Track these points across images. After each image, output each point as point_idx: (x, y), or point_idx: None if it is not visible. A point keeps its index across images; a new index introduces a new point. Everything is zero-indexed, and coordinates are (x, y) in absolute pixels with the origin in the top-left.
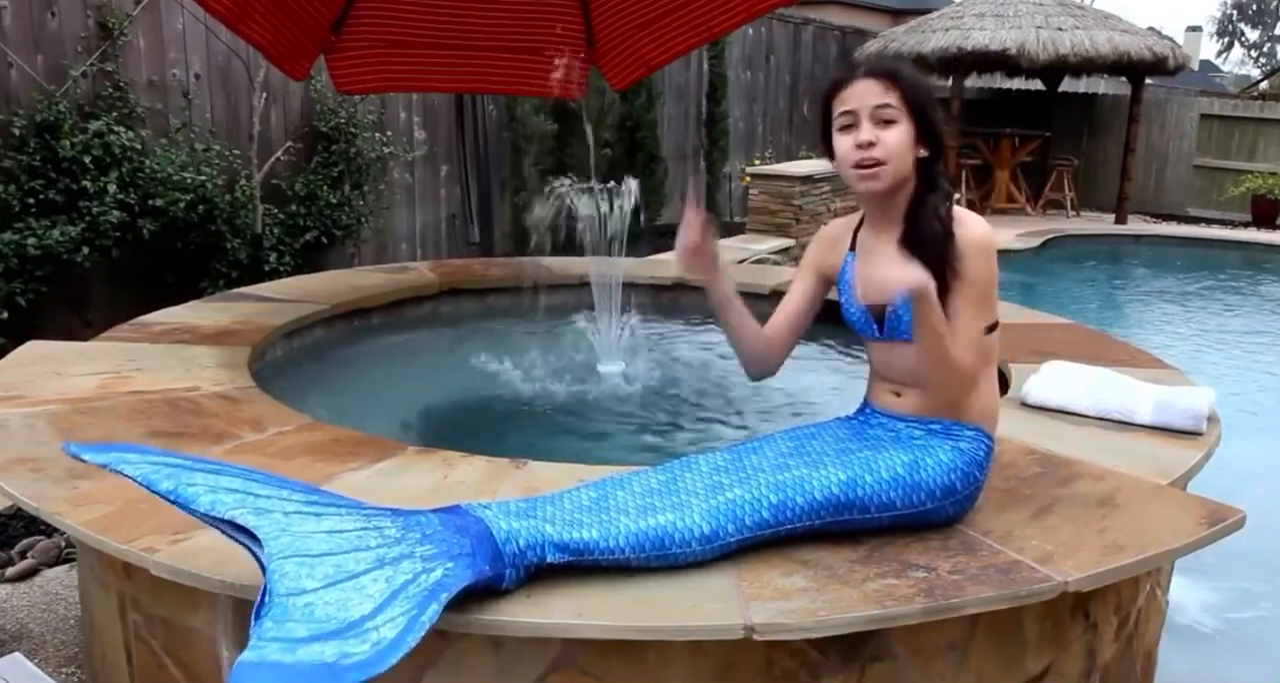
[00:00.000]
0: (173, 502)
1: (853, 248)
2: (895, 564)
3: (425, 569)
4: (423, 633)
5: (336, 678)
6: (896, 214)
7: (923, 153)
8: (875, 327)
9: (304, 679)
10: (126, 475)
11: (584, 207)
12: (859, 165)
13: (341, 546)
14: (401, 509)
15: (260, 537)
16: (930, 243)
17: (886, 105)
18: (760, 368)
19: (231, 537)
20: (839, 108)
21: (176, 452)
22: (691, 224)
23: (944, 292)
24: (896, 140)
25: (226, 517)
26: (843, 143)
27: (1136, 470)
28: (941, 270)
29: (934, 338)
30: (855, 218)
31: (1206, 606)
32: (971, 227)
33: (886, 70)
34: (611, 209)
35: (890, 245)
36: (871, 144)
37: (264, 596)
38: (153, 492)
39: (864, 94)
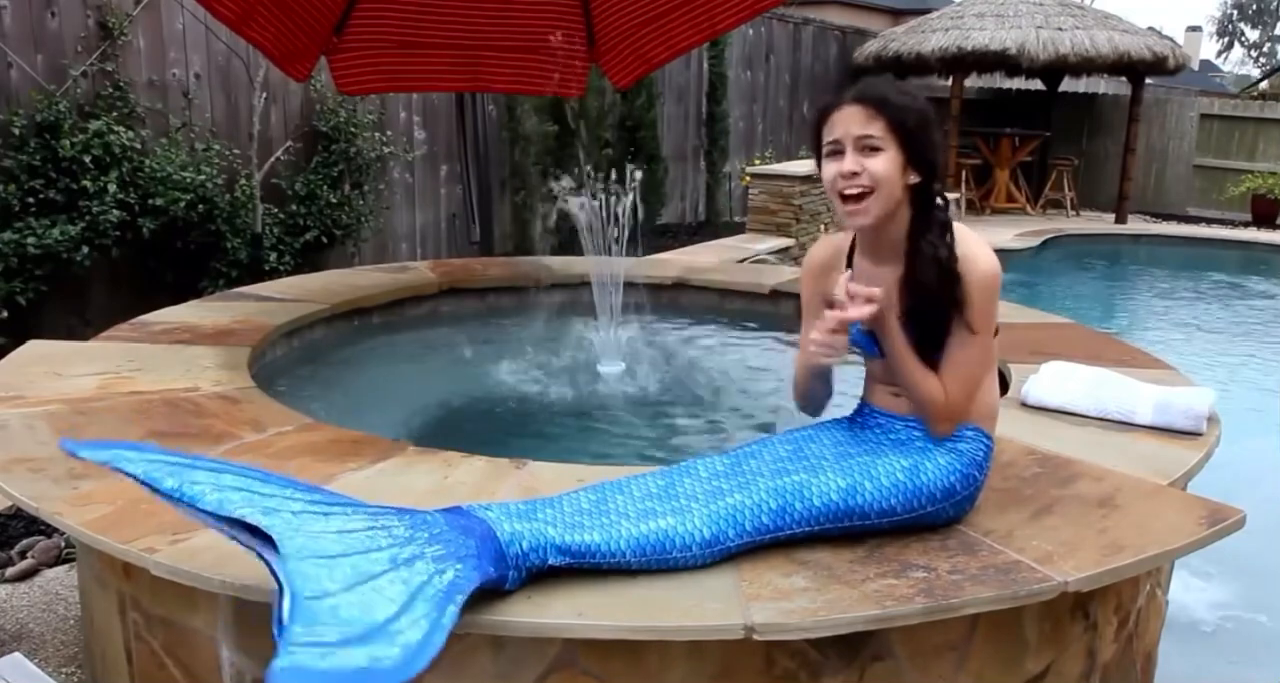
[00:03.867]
0: (176, 500)
1: (849, 268)
2: (895, 564)
3: (438, 570)
4: (445, 635)
5: (375, 681)
6: (891, 245)
7: (914, 179)
8: (876, 347)
9: (341, 681)
10: (127, 473)
11: (583, 207)
12: (844, 197)
13: (354, 546)
14: (405, 508)
15: (274, 536)
16: (931, 289)
17: (870, 135)
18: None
19: (232, 536)
20: (826, 135)
21: (173, 449)
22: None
23: (946, 330)
24: (881, 168)
25: (235, 515)
26: (828, 170)
27: (1136, 471)
28: (945, 312)
29: (899, 360)
30: (844, 239)
31: (1206, 606)
32: (976, 264)
33: (873, 97)
34: (611, 209)
35: (891, 277)
36: (855, 174)
37: (284, 598)
38: (156, 490)
39: (849, 122)
